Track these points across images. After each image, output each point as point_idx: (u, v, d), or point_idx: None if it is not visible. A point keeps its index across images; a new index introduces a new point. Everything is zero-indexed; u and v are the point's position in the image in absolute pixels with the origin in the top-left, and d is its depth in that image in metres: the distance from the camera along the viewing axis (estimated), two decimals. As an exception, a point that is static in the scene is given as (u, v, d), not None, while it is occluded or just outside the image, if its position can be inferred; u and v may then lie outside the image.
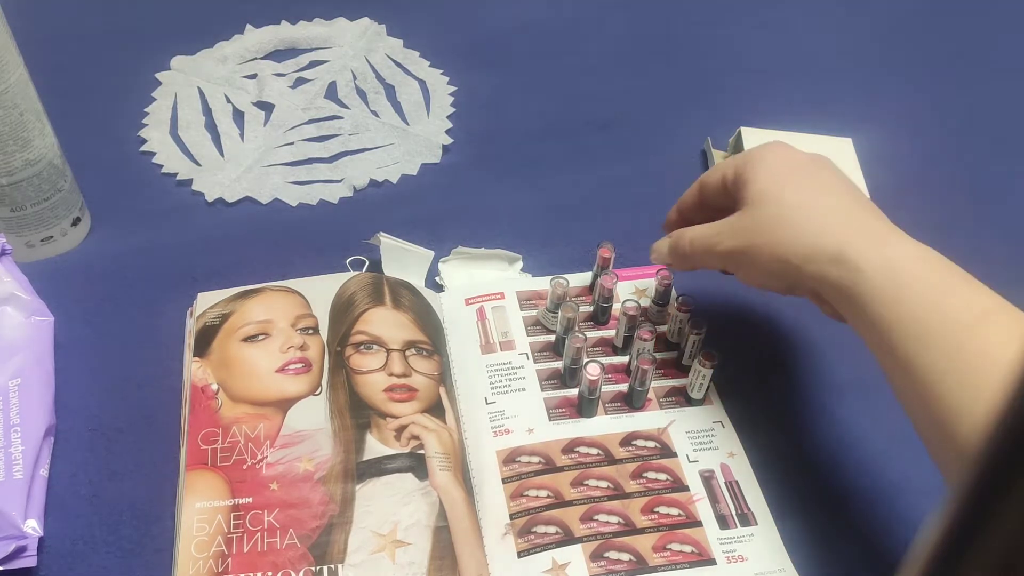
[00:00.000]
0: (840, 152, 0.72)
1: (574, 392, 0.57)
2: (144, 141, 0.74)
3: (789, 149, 0.52)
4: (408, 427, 0.53)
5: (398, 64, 0.83)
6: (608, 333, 0.60)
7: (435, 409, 0.54)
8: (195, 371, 0.55)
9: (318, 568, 0.47)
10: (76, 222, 0.65)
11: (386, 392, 0.54)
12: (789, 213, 0.48)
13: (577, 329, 0.57)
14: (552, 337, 0.60)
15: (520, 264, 0.65)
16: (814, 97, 0.81)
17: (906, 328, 0.43)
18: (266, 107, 0.78)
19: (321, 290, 0.59)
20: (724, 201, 0.53)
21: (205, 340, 0.56)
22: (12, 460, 0.50)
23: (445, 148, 0.75)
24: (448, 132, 0.76)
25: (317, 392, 0.54)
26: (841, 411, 0.58)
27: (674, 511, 0.51)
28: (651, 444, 0.55)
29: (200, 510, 0.49)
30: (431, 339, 0.58)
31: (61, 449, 0.54)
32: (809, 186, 0.49)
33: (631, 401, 0.56)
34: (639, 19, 0.90)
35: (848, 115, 0.78)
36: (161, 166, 0.72)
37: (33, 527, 0.49)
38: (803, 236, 0.47)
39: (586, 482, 0.53)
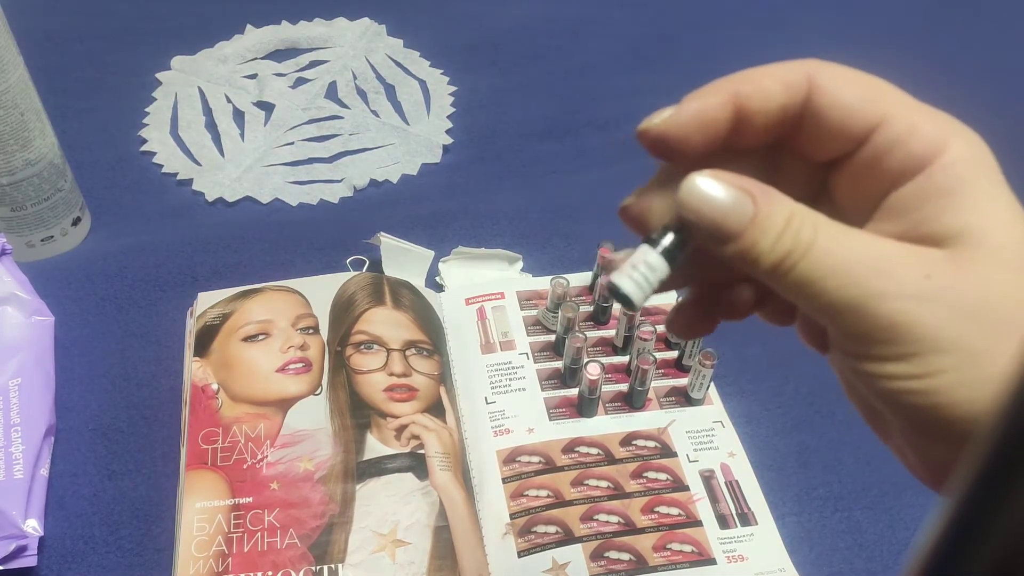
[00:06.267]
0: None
1: (574, 392, 0.57)
2: (144, 141, 0.74)
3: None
4: (408, 427, 0.53)
5: (398, 64, 0.83)
6: (608, 333, 0.60)
7: (435, 409, 0.54)
8: (195, 371, 0.55)
9: (318, 568, 0.47)
10: (76, 222, 0.65)
11: (386, 392, 0.54)
12: None
13: (577, 329, 0.57)
14: (552, 337, 0.60)
15: (520, 264, 0.65)
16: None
17: None
18: (266, 107, 0.78)
19: (321, 290, 0.59)
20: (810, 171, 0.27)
21: (205, 340, 0.56)
22: (12, 460, 0.50)
23: (445, 148, 0.75)
24: (448, 132, 0.76)
25: (317, 392, 0.54)
26: (841, 411, 0.57)
27: (674, 511, 0.51)
28: (651, 444, 0.55)
29: (200, 510, 0.49)
30: (431, 339, 0.58)
31: (61, 449, 0.54)
32: None
33: (631, 401, 0.56)
34: (639, 19, 0.90)
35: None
36: (161, 166, 0.72)
37: (33, 527, 0.49)
38: None
39: (586, 482, 0.53)
